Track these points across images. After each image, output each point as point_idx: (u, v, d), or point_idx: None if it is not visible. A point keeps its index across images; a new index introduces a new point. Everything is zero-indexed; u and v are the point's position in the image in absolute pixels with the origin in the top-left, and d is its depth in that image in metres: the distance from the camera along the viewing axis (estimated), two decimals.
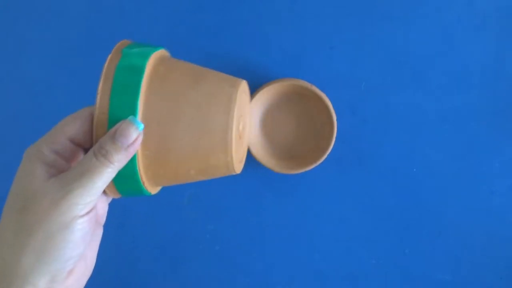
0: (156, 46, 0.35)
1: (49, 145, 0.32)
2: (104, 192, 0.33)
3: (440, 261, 0.58)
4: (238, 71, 0.57)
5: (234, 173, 0.35)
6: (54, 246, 0.29)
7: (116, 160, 0.30)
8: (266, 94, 0.55)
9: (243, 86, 0.35)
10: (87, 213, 0.30)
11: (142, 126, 0.30)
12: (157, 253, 0.59)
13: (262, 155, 0.55)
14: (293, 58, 0.57)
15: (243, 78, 0.55)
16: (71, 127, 0.32)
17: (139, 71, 0.31)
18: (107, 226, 0.38)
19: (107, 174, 0.30)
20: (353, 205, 0.58)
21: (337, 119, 0.54)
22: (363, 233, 0.58)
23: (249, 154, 0.55)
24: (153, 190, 0.35)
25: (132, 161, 0.31)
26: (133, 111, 0.30)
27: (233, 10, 0.57)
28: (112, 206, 0.38)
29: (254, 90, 0.56)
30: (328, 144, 0.54)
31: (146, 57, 0.32)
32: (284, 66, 0.57)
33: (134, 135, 0.30)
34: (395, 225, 0.58)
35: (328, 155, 0.54)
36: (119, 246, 0.59)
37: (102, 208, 0.36)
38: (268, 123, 0.56)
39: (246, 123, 0.38)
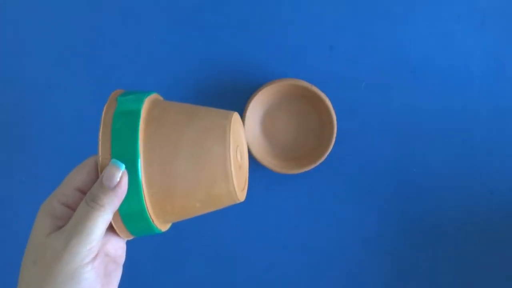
0: (149, 91, 0.37)
1: (58, 198, 0.33)
2: (117, 234, 0.34)
3: (440, 261, 0.58)
4: (239, 71, 0.57)
5: (238, 202, 0.36)
6: None
7: (106, 203, 0.31)
8: (266, 94, 0.55)
9: (235, 117, 0.37)
10: (92, 260, 0.31)
11: (123, 166, 0.32)
12: (158, 253, 0.59)
13: (262, 155, 0.55)
14: (293, 58, 0.57)
15: (244, 78, 0.55)
16: (78, 177, 0.33)
17: (136, 115, 0.33)
18: None
19: (100, 218, 0.31)
20: (353, 205, 0.58)
21: (337, 119, 0.54)
22: (363, 233, 0.58)
23: (249, 154, 0.55)
24: (163, 227, 0.37)
25: (140, 200, 0.33)
26: (134, 153, 0.32)
27: (233, 10, 0.57)
28: None
29: (254, 90, 0.56)
30: (328, 144, 0.54)
31: (140, 101, 0.34)
32: (284, 66, 0.57)
33: (118, 175, 0.32)
34: (395, 225, 0.58)
35: (328, 155, 0.54)
36: None
37: (120, 248, 0.37)
38: (268, 123, 0.56)
39: (243, 153, 0.40)
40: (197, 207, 0.35)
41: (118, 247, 0.36)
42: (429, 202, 0.57)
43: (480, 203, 0.57)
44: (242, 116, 0.55)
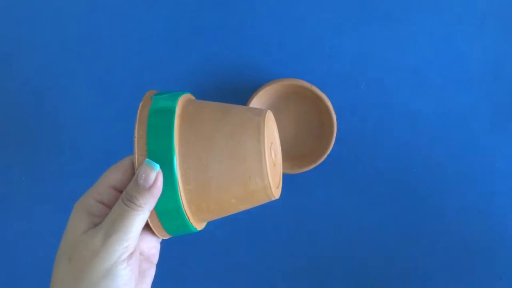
0: (183, 91, 0.37)
1: (94, 195, 0.33)
2: (153, 233, 0.35)
3: (441, 261, 0.57)
4: (238, 71, 0.57)
5: (273, 199, 0.36)
6: None
7: (143, 203, 0.31)
8: (266, 94, 0.55)
9: (269, 114, 0.37)
10: (128, 258, 0.31)
11: (158, 166, 0.32)
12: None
13: None
14: (293, 58, 0.57)
15: (244, 78, 0.55)
16: (114, 176, 0.34)
17: (171, 112, 0.34)
18: None
19: (137, 218, 0.31)
20: (353, 205, 0.58)
21: (337, 119, 0.54)
22: (363, 233, 0.58)
23: None
24: (199, 225, 0.37)
25: (175, 198, 0.33)
26: (169, 149, 0.32)
27: (233, 10, 0.57)
28: None
29: (254, 90, 0.56)
30: (328, 144, 0.54)
31: (175, 99, 0.35)
32: (284, 66, 0.57)
33: (153, 176, 0.32)
34: (395, 225, 0.58)
35: (328, 155, 0.54)
36: None
37: (154, 248, 0.37)
38: None
39: (277, 151, 0.40)
40: (233, 203, 0.35)
41: (152, 246, 0.37)
42: (429, 201, 0.57)
43: (481, 203, 0.57)
44: None
